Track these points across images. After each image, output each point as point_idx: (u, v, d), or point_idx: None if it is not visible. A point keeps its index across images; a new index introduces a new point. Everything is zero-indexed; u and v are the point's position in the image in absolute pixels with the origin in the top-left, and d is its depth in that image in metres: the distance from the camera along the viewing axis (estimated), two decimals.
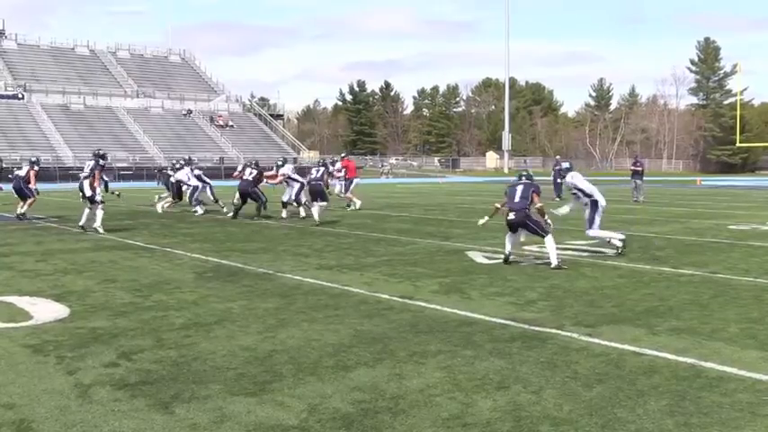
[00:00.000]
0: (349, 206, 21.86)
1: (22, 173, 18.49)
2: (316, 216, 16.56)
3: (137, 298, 7.77)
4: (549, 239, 10.11)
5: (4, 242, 13.25)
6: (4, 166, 41.35)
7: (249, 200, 18.24)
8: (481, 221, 11.20)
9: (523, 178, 10.70)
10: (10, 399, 4.47)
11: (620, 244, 11.19)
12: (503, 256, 10.47)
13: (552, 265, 9.84)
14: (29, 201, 18.30)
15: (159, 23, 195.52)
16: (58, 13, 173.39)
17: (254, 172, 18.21)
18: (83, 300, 7.68)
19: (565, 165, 12.71)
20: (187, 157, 23.94)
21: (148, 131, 69.57)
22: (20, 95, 69.85)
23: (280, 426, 4.04)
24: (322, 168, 18.26)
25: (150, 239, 13.57)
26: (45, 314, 6.92)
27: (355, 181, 23.34)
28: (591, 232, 11.34)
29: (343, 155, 25.44)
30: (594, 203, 11.26)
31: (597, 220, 11.24)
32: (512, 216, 10.28)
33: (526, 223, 10.29)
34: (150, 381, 4.82)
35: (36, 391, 4.62)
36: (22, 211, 18.09)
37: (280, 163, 20.17)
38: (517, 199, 10.34)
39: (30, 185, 18.24)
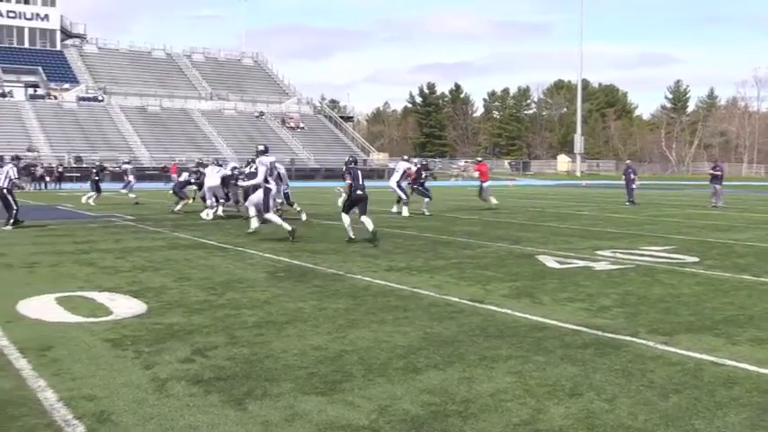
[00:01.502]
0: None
1: (181, 177, 22.27)
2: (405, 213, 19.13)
3: (211, 296, 7.94)
4: (367, 218, 12.99)
5: (85, 239, 13.72)
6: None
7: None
8: (340, 200, 14.33)
9: (353, 164, 13.56)
10: (91, 391, 4.62)
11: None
12: (348, 238, 13.04)
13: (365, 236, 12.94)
14: (182, 201, 21.15)
15: (236, 28, 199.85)
16: (141, 18, 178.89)
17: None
18: (159, 297, 7.88)
19: (260, 147, 14.42)
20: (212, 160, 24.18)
21: (221, 133, 71.06)
22: (100, 98, 72.31)
23: (350, 426, 4.06)
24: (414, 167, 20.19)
25: (223, 239, 13.84)
26: (123, 310, 7.13)
27: (485, 185, 23.71)
28: (268, 216, 13.53)
29: (479, 158, 26.25)
30: (268, 190, 13.50)
31: (271, 203, 13.66)
32: (360, 193, 12.98)
33: (366, 200, 13.12)
34: (224, 377, 4.91)
35: (115, 384, 4.77)
36: (177, 208, 20.88)
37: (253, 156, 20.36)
38: (361, 181, 13.08)
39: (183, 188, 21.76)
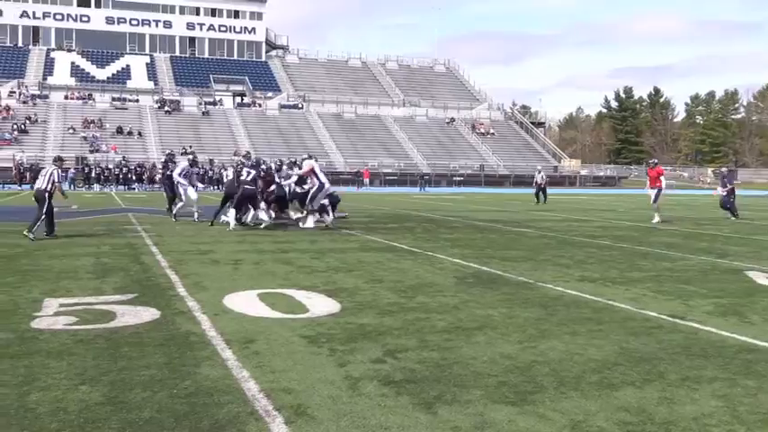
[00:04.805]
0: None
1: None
2: None
3: (401, 299, 8.06)
4: (263, 213, 16.78)
5: (284, 239, 14.46)
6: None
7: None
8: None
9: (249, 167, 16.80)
10: (289, 384, 4.83)
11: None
12: (230, 226, 16.21)
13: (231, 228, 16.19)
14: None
15: (428, 35, 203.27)
16: (338, 28, 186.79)
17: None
18: (352, 297, 8.11)
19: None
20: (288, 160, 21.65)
21: (413, 139, 72.41)
22: (300, 105, 76.24)
23: None
24: None
25: (413, 243, 14.05)
26: (319, 308, 7.41)
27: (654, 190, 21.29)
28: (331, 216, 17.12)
29: (654, 161, 23.60)
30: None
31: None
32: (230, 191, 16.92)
33: (254, 198, 16.52)
34: (414, 380, 4.96)
35: (311, 379, 4.95)
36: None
37: (305, 156, 19.13)
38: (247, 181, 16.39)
39: None
